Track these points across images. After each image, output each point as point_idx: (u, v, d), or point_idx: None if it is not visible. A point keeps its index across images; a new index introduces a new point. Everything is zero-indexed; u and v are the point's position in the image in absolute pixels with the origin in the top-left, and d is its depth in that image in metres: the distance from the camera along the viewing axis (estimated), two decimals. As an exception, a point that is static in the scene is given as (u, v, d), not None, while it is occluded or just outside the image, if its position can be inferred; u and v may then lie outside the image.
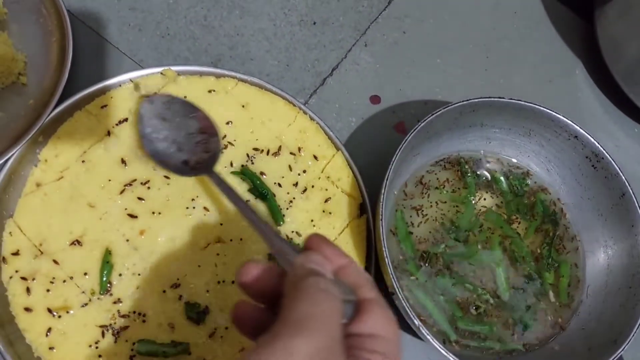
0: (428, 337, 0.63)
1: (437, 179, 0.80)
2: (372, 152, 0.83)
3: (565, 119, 0.76)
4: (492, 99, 0.74)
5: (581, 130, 0.76)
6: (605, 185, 0.76)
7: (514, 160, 0.83)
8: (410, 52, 0.92)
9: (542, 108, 0.75)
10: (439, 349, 0.63)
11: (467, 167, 0.81)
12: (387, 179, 0.68)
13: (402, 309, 0.65)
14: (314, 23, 0.91)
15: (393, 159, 0.69)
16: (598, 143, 0.75)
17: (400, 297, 0.64)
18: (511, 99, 0.74)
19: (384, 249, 0.65)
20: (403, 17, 0.94)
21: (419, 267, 0.75)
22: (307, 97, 0.86)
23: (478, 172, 0.82)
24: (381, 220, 0.67)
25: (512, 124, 0.79)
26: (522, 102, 0.75)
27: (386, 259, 0.65)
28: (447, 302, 0.74)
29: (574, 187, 0.80)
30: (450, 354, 0.63)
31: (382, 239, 0.66)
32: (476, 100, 0.73)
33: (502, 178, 0.82)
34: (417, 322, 0.63)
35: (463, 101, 0.73)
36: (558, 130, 0.77)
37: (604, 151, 0.75)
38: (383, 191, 0.68)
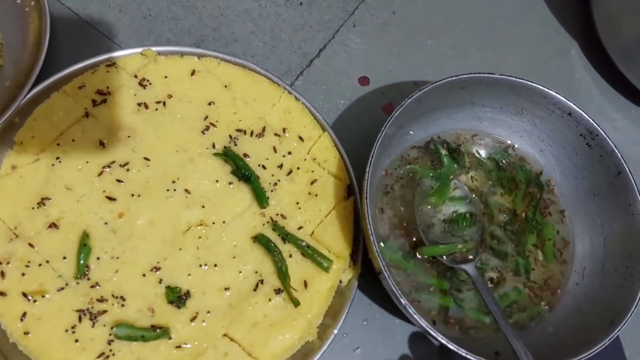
0: (415, 316, 0.61)
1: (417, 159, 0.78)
2: (360, 134, 0.81)
3: (558, 95, 0.73)
4: (482, 74, 0.72)
5: (575, 107, 0.73)
6: (601, 163, 0.74)
7: (509, 142, 0.81)
8: (400, 33, 0.90)
9: (534, 84, 0.73)
10: (427, 328, 0.60)
11: (440, 148, 0.78)
12: (372, 157, 0.66)
13: (388, 288, 0.63)
14: (301, 3, 0.89)
15: (378, 137, 0.67)
16: (593, 120, 0.73)
17: (386, 275, 0.62)
18: (501, 74, 0.72)
19: (369, 226, 0.63)
20: None
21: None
22: (293, 78, 0.84)
23: (468, 151, 0.79)
24: (366, 199, 0.64)
25: (504, 102, 0.76)
26: (513, 78, 0.72)
27: (371, 237, 0.62)
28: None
29: (568, 167, 0.78)
30: (439, 334, 0.60)
31: (367, 217, 0.63)
32: (465, 76, 0.71)
33: (482, 153, 0.80)
34: (403, 300, 0.61)
35: (452, 77, 0.71)
36: (551, 108, 0.74)
37: (599, 128, 0.73)
38: (368, 169, 0.66)
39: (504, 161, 0.80)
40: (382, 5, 0.91)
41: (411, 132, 0.76)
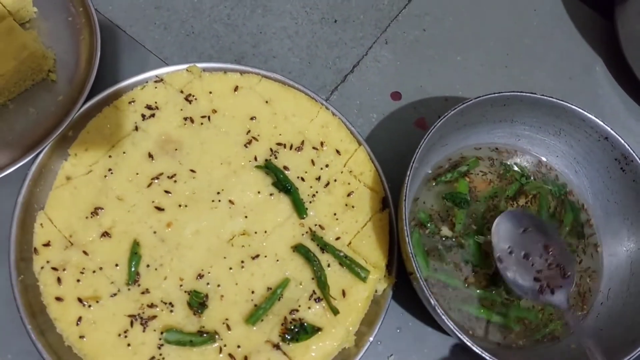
0: (443, 317, 0.63)
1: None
2: (393, 148, 0.84)
3: (596, 119, 0.75)
4: (524, 93, 0.74)
5: (612, 132, 0.75)
6: (634, 188, 0.76)
7: (543, 159, 0.83)
8: (430, 50, 0.93)
9: (574, 107, 0.75)
10: (456, 332, 0.63)
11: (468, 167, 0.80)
12: (413, 162, 0.69)
13: (419, 289, 0.66)
14: (335, 21, 0.92)
15: (419, 147, 0.69)
16: (628, 145, 0.75)
17: (417, 275, 0.64)
18: (543, 95, 0.74)
19: (405, 228, 0.66)
20: (423, 15, 0.95)
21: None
22: (328, 93, 0.87)
23: (508, 163, 0.82)
24: (405, 200, 0.67)
25: (543, 121, 0.78)
26: (555, 100, 0.74)
27: (407, 238, 0.65)
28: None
29: (601, 190, 0.80)
30: (467, 339, 0.63)
31: (405, 217, 0.66)
32: (508, 94, 0.73)
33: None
34: (432, 301, 0.64)
35: (494, 93, 0.73)
36: (588, 131, 0.76)
37: (634, 154, 0.74)
38: (409, 173, 0.68)
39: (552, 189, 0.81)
40: (413, 23, 0.94)
41: (449, 144, 0.78)
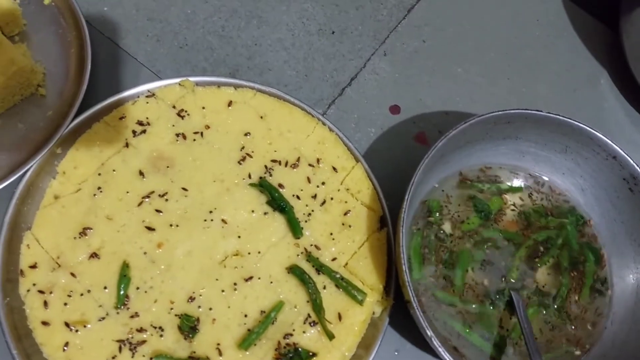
0: (440, 349, 0.61)
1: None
2: (392, 163, 0.82)
3: (605, 138, 0.72)
4: (529, 111, 0.72)
5: (621, 151, 0.73)
6: None
7: (545, 178, 0.80)
8: (430, 61, 0.91)
9: (582, 125, 0.72)
10: None
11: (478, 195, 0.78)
12: (411, 186, 0.66)
13: (416, 319, 0.64)
14: (333, 32, 0.90)
15: (419, 167, 0.67)
16: (637, 166, 0.72)
17: (414, 305, 0.62)
18: (549, 113, 0.72)
19: (402, 256, 0.63)
20: (423, 26, 0.93)
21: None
22: (325, 107, 0.85)
23: (508, 184, 0.80)
24: (402, 226, 0.65)
25: (549, 139, 0.76)
26: (561, 118, 0.72)
27: (404, 266, 0.63)
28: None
29: (607, 209, 0.77)
30: None
31: (402, 246, 0.64)
32: (512, 111, 0.71)
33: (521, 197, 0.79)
34: (429, 332, 0.62)
35: (498, 111, 0.71)
36: (596, 149, 0.74)
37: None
38: (407, 197, 0.66)
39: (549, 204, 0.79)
40: (412, 34, 0.92)
41: (451, 161, 0.76)
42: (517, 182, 0.80)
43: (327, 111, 0.85)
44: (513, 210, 0.78)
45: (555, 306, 0.74)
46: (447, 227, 0.75)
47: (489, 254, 0.75)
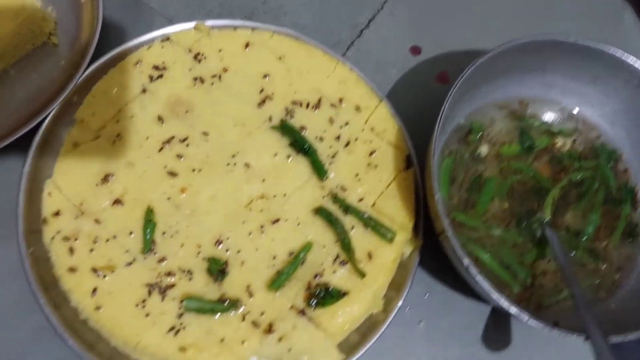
0: (477, 277, 0.60)
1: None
2: (414, 104, 0.79)
3: (636, 65, 0.70)
4: (559, 37, 0.69)
5: None
6: None
7: (574, 112, 0.77)
8: (448, 0, 0.88)
9: (613, 50, 0.69)
10: (490, 291, 0.59)
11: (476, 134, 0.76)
12: (440, 117, 0.64)
13: (449, 249, 0.62)
14: (349, -27, 0.87)
15: (448, 96, 0.65)
16: None
17: (448, 235, 0.60)
18: (579, 39, 0.69)
19: (434, 185, 0.62)
20: None
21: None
22: (344, 49, 0.82)
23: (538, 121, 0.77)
24: (433, 157, 0.63)
25: (578, 69, 0.73)
26: (593, 44, 0.69)
27: (436, 195, 0.61)
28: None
29: (639, 141, 0.75)
30: (502, 297, 0.59)
31: (433, 174, 0.62)
32: (541, 38, 0.68)
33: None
34: (465, 261, 0.60)
35: (526, 38, 0.68)
36: (627, 77, 0.71)
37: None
38: (437, 127, 0.64)
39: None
40: None
41: (477, 95, 0.74)
42: (549, 116, 0.77)
43: (346, 53, 0.82)
44: (550, 153, 0.76)
45: (584, 246, 0.72)
46: (484, 149, 0.73)
47: (518, 188, 0.73)
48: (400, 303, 0.67)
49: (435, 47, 0.84)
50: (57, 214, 0.65)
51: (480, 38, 0.86)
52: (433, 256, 0.71)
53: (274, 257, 0.67)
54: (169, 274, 0.64)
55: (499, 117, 0.76)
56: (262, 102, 0.73)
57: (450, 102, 0.65)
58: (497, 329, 0.73)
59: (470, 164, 0.73)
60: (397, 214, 0.70)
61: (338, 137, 0.73)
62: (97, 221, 0.65)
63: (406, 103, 0.79)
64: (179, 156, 0.69)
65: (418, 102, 0.80)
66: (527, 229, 0.72)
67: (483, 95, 0.74)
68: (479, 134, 0.74)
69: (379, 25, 0.84)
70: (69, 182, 0.67)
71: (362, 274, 0.67)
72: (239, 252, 0.66)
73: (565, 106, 0.78)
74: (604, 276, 0.72)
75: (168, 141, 0.70)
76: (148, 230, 0.65)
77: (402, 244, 0.69)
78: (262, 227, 0.68)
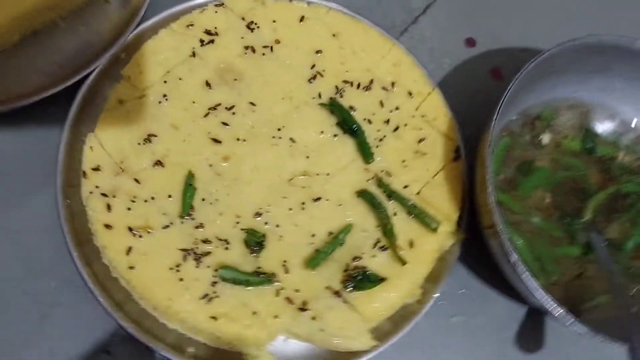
0: (523, 275, 0.57)
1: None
2: (466, 96, 0.77)
3: None
4: (625, 38, 0.67)
5: None
6: None
7: (632, 125, 0.75)
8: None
9: None
10: (535, 287, 0.57)
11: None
12: (500, 106, 0.62)
13: (496, 243, 0.60)
14: (409, -45, 0.84)
15: (508, 88, 0.63)
16: None
17: (499, 229, 0.58)
18: None
19: (487, 177, 0.60)
20: None
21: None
22: (397, 34, 0.80)
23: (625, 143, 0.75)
24: (488, 147, 0.61)
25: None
26: None
27: (489, 188, 0.59)
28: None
29: None
30: (546, 294, 0.57)
31: (487, 166, 0.60)
32: (606, 37, 0.66)
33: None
34: (513, 257, 0.58)
35: (590, 36, 0.65)
36: None
37: None
38: (493, 123, 0.62)
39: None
40: None
41: (534, 91, 0.71)
42: (607, 126, 0.76)
43: (399, 38, 0.80)
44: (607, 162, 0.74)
45: (621, 261, 0.70)
46: (546, 137, 0.72)
47: (564, 185, 0.71)
48: (436, 295, 0.65)
49: (491, 41, 0.82)
50: (97, 169, 0.64)
51: (537, 35, 0.83)
52: (473, 251, 0.69)
53: (313, 235, 0.65)
54: (205, 241, 0.63)
55: (564, 112, 0.74)
56: (313, 78, 0.71)
57: (506, 100, 0.63)
58: (532, 330, 0.71)
59: (527, 148, 0.72)
60: (442, 204, 0.68)
61: (387, 121, 0.71)
62: (136, 180, 0.64)
63: (457, 94, 0.76)
64: (224, 124, 0.67)
65: (469, 95, 0.78)
66: (568, 226, 0.70)
67: (538, 94, 0.72)
68: (548, 122, 0.72)
69: (436, 13, 0.82)
70: (111, 138, 0.65)
71: (402, 262, 0.64)
72: (277, 226, 0.65)
73: (624, 117, 0.75)
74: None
75: (214, 107, 0.68)
76: (188, 195, 0.63)
77: (446, 235, 0.67)
78: (303, 203, 0.66)
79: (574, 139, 0.73)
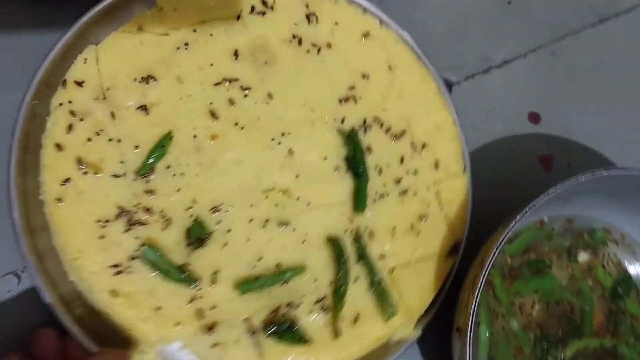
0: None
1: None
2: (500, 174, 0.70)
3: None
4: None
5: None
6: None
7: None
8: (596, 84, 0.76)
9: None
10: None
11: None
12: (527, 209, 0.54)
13: (458, 348, 0.53)
14: (509, 2, 0.76)
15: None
16: None
17: (468, 339, 0.51)
18: None
19: (482, 275, 0.52)
20: (608, 44, 0.77)
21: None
22: (461, 77, 0.72)
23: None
24: (495, 252, 0.53)
25: None
26: None
27: (479, 287, 0.52)
28: None
29: None
30: None
31: (486, 268, 0.53)
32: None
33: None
34: None
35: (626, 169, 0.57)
36: None
37: None
38: (496, 249, 0.53)
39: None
40: (592, 47, 0.76)
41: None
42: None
43: (462, 82, 0.71)
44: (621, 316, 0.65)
45: None
46: (584, 256, 0.66)
47: (563, 309, 0.64)
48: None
49: (557, 127, 0.73)
50: (80, 83, 0.57)
51: (608, 142, 0.74)
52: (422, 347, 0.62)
53: (260, 259, 0.57)
54: (148, 210, 0.56)
55: (615, 244, 0.68)
56: (346, 100, 0.63)
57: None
58: None
59: (558, 252, 0.65)
60: (411, 295, 0.59)
61: (399, 181, 0.62)
62: (112, 115, 0.57)
63: (492, 167, 0.69)
64: (231, 102, 0.60)
65: (506, 174, 0.70)
66: (541, 352, 0.62)
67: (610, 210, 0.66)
68: (595, 243, 0.66)
69: (512, 71, 0.73)
70: (111, 60, 0.58)
71: (337, 333, 0.56)
72: (229, 231, 0.57)
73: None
74: None
75: (230, 80, 0.61)
76: (155, 154, 0.57)
77: (396, 329, 0.59)
78: (267, 221, 0.58)
79: (609, 275, 0.66)
